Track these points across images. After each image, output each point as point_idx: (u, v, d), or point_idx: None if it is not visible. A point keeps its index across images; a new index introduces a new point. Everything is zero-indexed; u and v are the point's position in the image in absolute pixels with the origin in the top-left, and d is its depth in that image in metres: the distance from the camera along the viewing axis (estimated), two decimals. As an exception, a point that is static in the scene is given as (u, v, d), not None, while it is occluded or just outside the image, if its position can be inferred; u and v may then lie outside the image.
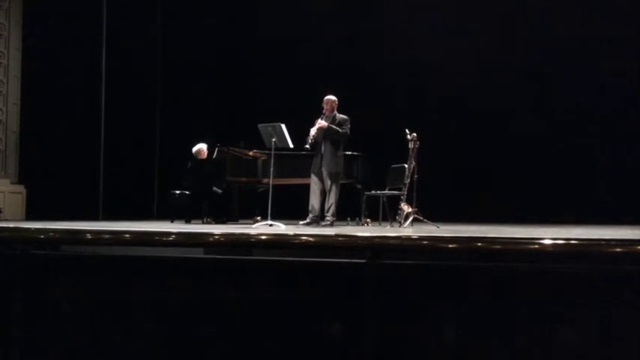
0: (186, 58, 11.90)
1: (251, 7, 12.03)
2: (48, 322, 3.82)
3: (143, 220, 9.65)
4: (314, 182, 8.02)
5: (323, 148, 7.95)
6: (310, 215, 7.93)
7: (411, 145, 7.92)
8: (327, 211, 7.86)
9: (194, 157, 9.37)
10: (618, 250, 3.16)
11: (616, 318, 3.25)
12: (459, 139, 10.85)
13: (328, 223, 7.81)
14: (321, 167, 7.95)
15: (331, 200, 7.84)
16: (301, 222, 7.91)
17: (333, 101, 8.10)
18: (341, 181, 8.08)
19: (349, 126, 7.99)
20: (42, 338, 3.82)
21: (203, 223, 8.83)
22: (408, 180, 7.94)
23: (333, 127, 7.90)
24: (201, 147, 9.37)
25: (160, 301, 3.71)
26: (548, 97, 10.87)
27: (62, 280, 3.83)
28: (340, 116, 8.05)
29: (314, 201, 7.97)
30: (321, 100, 8.10)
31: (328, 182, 7.88)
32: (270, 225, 7.42)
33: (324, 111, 8.04)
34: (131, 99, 11.35)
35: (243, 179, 9.18)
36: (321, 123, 7.91)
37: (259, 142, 8.33)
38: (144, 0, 11.71)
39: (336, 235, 3.55)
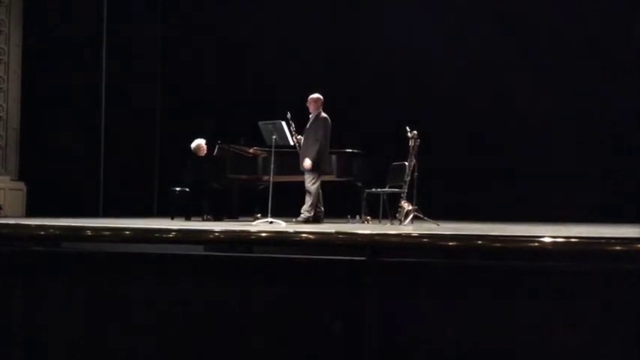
0: (186, 58, 11.89)
1: (251, 7, 12.02)
2: (48, 320, 3.82)
3: (143, 217, 9.64)
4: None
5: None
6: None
7: (411, 143, 7.90)
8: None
9: (193, 154, 9.33)
10: (618, 248, 3.17)
11: (616, 317, 3.25)
12: (459, 137, 10.83)
13: (301, 219, 7.64)
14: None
15: (309, 194, 7.69)
16: (294, 219, 7.85)
17: (317, 99, 7.88)
18: (341, 179, 8.02)
19: (324, 127, 7.76)
20: (42, 337, 3.83)
21: (203, 220, 8.83)
22: (409, 178, 7.93)
23: (313, 154, 7.65)
24: (200, 142, 9.27)
25: (160, 298, 3.71)
26: (549, 97, 10.86)
27: (62, 277, 3.84)
28: (322, 116, 7.84)
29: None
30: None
31: (306, 176, 7.72)
32: (271, 222, 7.41)
33: (309, 111, 7.86)
34: (131, 97, 11.35)
35: (244, 177, 9.16)
36: (306, 163, 7.67)
37: (260, 140, 8.32)
38: (144, 0, 11.71)
39: (337, 233, 3.56)
